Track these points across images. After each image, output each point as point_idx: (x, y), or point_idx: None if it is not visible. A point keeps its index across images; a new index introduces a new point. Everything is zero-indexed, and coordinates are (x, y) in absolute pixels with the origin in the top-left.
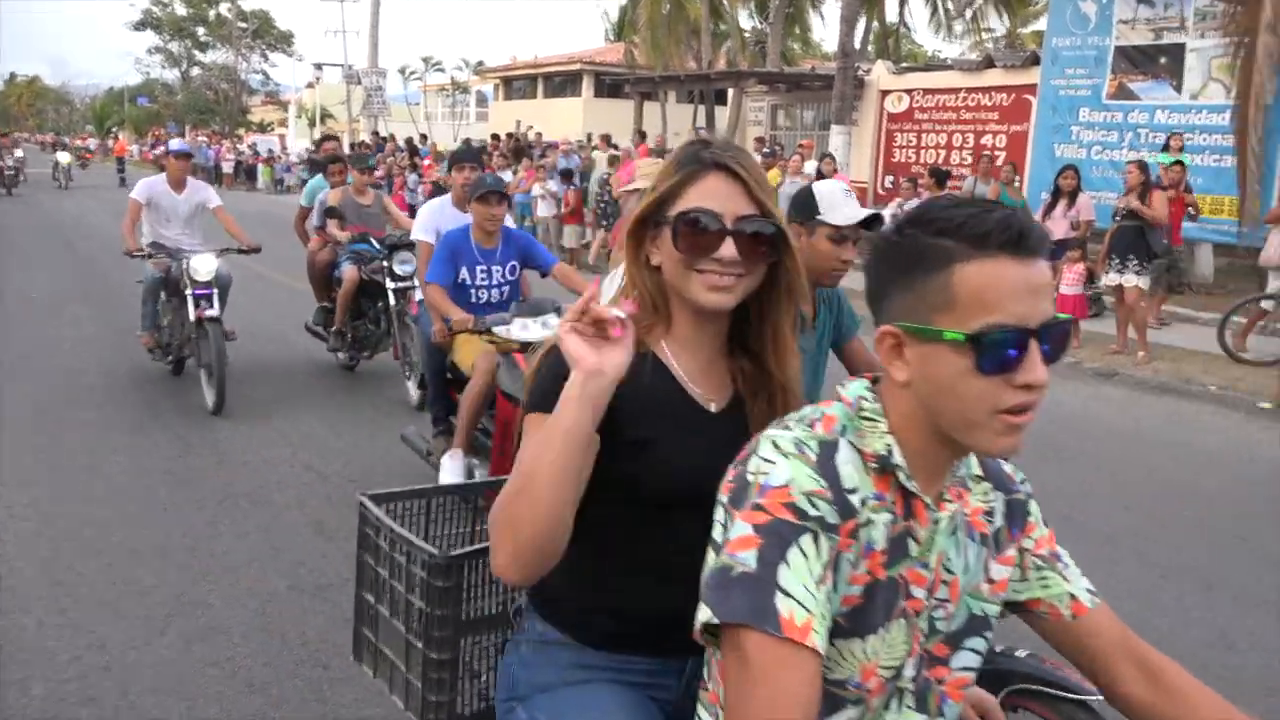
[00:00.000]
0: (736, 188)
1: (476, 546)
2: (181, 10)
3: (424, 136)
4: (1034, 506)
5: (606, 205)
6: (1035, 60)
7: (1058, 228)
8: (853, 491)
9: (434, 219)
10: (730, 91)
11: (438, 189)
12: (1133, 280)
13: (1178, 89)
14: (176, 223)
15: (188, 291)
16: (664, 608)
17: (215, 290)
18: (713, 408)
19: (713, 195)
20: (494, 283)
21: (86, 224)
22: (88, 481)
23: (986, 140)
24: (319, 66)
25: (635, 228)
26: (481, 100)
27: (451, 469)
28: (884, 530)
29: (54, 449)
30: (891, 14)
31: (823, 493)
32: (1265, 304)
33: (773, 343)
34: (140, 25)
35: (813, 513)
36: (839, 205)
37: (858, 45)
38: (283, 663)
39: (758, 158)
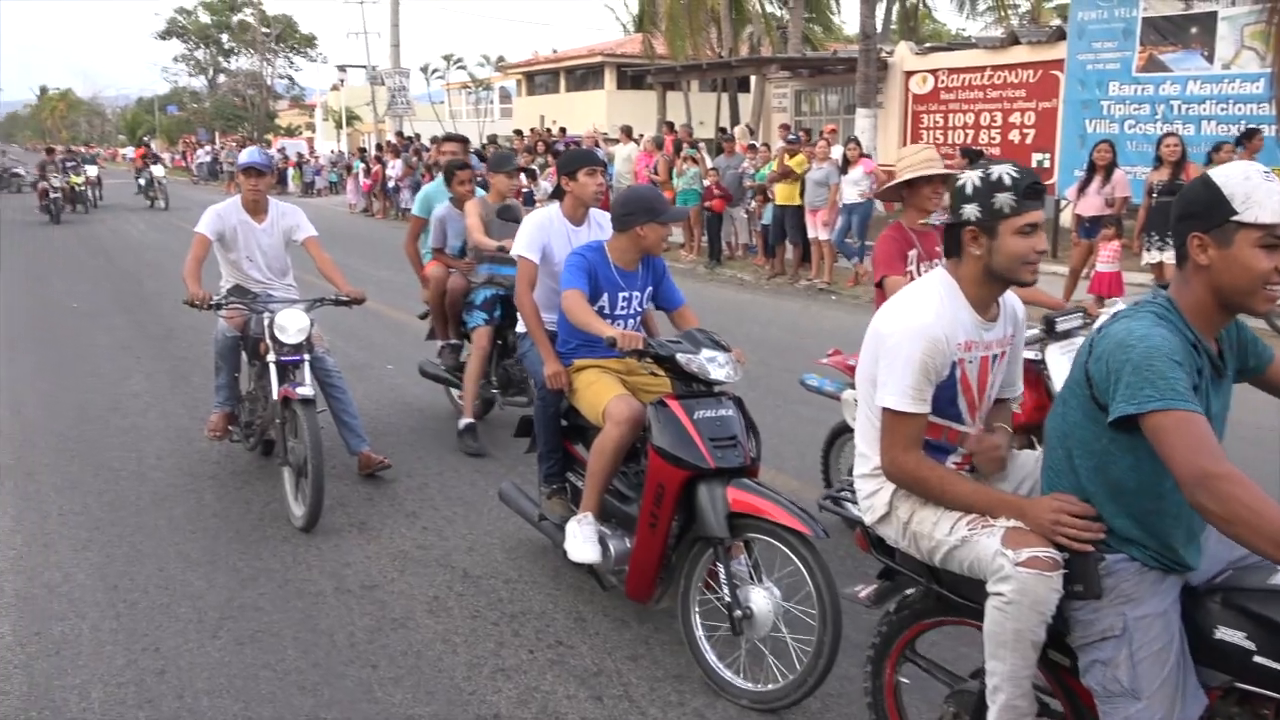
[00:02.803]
0: None
1: None
2: (205, 18)
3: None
4: None
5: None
6: (1061, 35)
7: (1092, 205)
8: None
9: (542, 234)
10: (753, 79)
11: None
12: (1173, 257)
13: (1209, 59)
14: (260, 261)
15: (270, 359)
16: None
17: (307, 358)
18: None
19: None
20: (632, 311)
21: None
22: (135, 489)
23: (1015, 119)
24: (343, 69)
25: None
26: (505, 96)
27: (582, 537)
28: None
29: (98, 456)
30: None
31: None
32: None
33: None
34: (166, 34)
35: None
36: (1265, 195)
37: (879, 27)
38: (332, 664)
39: (780, 143)
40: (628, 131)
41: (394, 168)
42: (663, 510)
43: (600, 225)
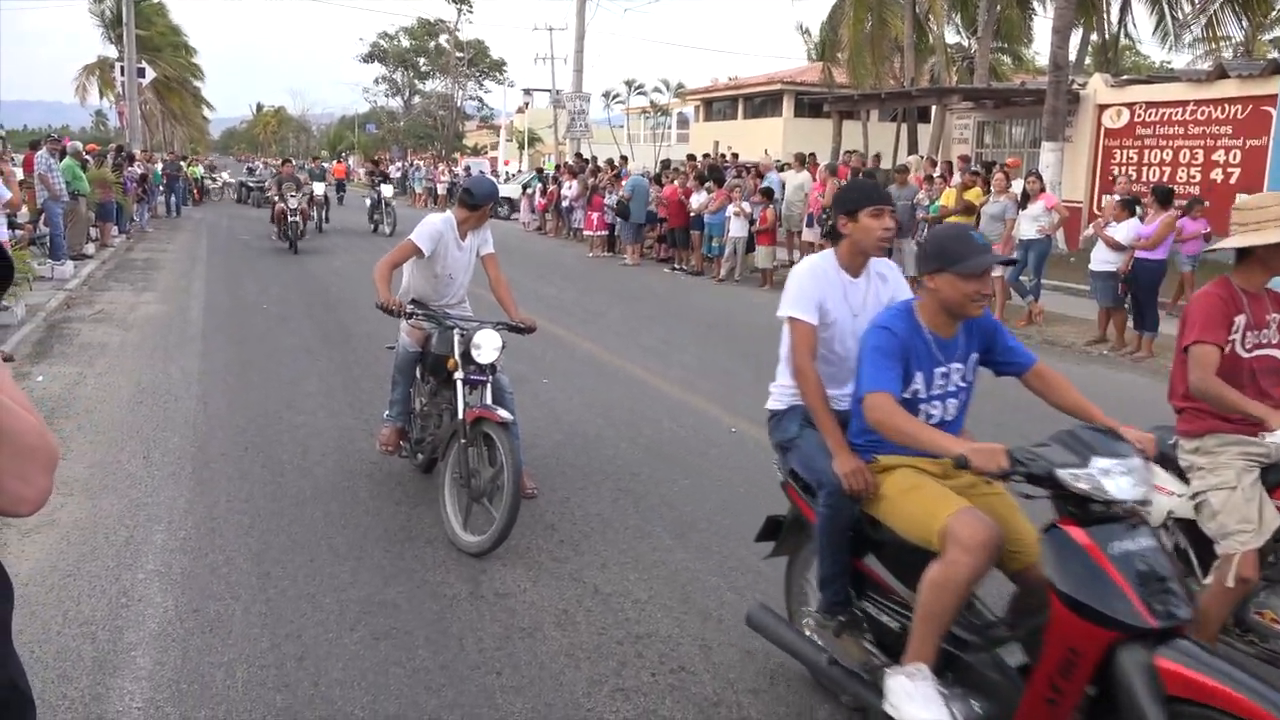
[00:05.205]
0: None
1: None
2: (405, 43)
3: (624, 158)
4: None
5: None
6: (1275, 69)
7: None
8: None
9: (816, 287)
10: (934, 109)
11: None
12: None
13: None
14: (458, 279)
15: (458, 376)
16: None
17: (489, 378)
18: None
19: None
20: (951, 389)
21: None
22: (298, 482)
23: (1218, 156)
24: (528, 92)
25: None
26: (683, 122)
27: (919, 698)
28: None
29: (269, 449)
30: (1113, 24)
31: None
32: None
33: None
34: (368, 58)
35: None
36: None
37: (1073, 58)
38: (458, 667)
39: (959, 176)
40: (801, 159)
41: (569, 188)
42: (1072, 683)
43: (883, 277)
